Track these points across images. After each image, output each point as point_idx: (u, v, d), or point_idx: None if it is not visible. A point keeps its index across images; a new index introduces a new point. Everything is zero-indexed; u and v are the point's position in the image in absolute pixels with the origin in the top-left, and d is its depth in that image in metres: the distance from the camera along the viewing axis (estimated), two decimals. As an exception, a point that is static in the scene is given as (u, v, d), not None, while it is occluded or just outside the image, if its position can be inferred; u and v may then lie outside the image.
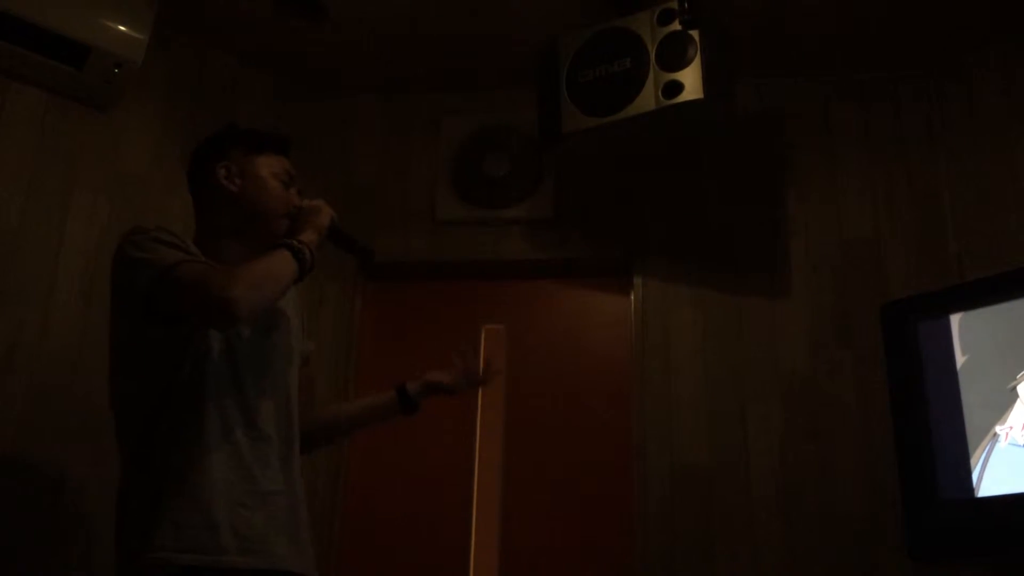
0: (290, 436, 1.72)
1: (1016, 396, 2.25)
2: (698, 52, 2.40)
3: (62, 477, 2.28)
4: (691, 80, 2.39)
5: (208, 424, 1.58)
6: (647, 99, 2.44)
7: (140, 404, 1.61)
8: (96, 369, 2.36)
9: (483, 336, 2.96)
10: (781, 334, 2.71)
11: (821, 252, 2.78)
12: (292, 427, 1.74)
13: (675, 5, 2.43)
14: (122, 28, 2.43)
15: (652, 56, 2.45)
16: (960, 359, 2.36)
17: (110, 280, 1.66)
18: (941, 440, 2.33)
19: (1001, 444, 2.25)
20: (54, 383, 2.32)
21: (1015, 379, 2.27)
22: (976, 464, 2.27)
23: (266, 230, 1.75)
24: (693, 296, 2.78)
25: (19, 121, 2.43)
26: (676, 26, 2.43)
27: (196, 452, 1.56)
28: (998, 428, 2.26)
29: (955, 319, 2.40)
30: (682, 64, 2.41)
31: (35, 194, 2.41)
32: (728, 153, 2.90)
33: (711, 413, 2.66)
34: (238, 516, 1.56)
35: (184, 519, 1.51)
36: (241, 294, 1.50)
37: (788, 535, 2.51)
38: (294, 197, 1.80)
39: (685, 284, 2.79)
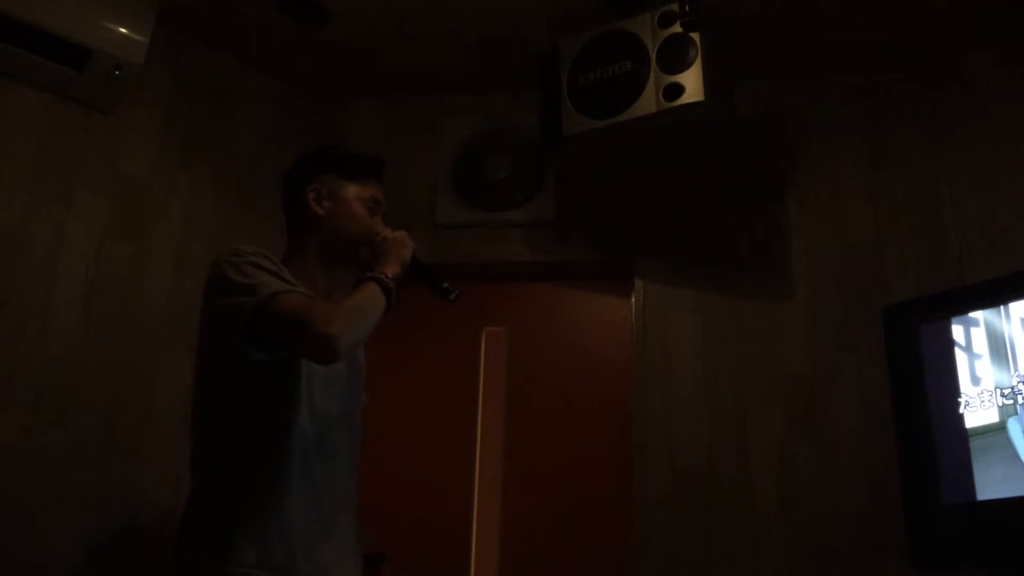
0: (354, 465, 1.78)
1: (1017, 399, 2.24)
2: (699, 54, 2.40)
3: (61, 480, 2.27)
4: (692, 82, 2.39)
5: (291, 448, 1.61)
6: (648, 102, 2.45)
7: (224, 421, 1.64)
8: (96, 372, 2.39)
9: (484, 339, 2.96)
10: (782, 337, 2.70)
11: (822, 255, 2.77)
12: (356, 458, 1.79)
13: (676, 8, 2.43)
14: (123, 30, 2.44)
15: (653, 58, 2.45)
16: (962, 362, 2.36)
17: (204, 300, 1.67)
18: (943, 444, 2.32)
19: (1003, 447, 2.24)
20: (54, 385, 2.32)
21: (1016, 382, 2.27)
22: (978, 468, 2.26)
23: (347, 255, 1.80)
24: (693, 299, 2.78)
25: (20, 123, 2.43)
26: (677, 28, 2.44)
27: (278, 475, 1.59)
28: (1000, 432, 2.25)
29: (957, 322, 2.40)
30: (683, 66, 2.41)
31: (36, 196, 2.41)
32: (728, 155, 2.90)
33: (711, 415, 2.65)
34: (310, 542, 1.60)
35: (265, 538, 1.54)
36: (341, 331, 1.53)
37: (788, 538, 2.51)
38: (378, 225, 1.83)
39: (685, 287, 2.79)
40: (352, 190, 1.84)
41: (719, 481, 2.59)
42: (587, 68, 2.57)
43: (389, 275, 1.68)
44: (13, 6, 2.26)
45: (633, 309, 2.84)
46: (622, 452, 2.72)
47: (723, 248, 2.82)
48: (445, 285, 1.83)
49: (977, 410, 2.29)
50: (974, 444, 2.28)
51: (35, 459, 2.25)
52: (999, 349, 2.31)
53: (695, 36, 2.41)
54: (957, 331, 2.39)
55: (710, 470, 2.60)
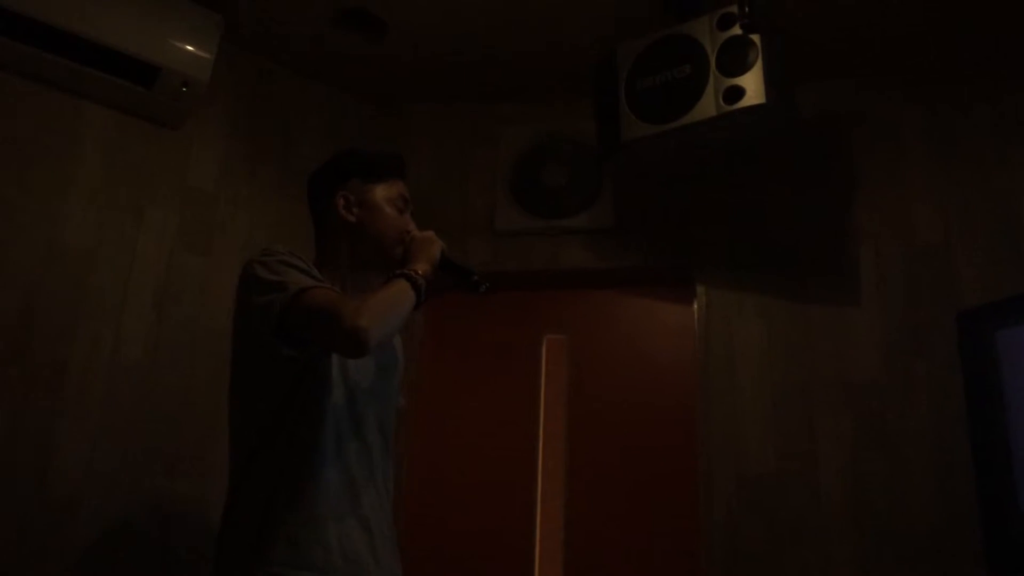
0: (388, 460, 1.78)
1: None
2: (759, 56, 2.37)
3: (137, 487, 2.34)
4: (753, 85, 2.35)
5: (324, 444, 1.63)
6: (708, 105, 2.42)
7: (258, 419, 1.66)
8: (166, 380, 2.45)
9: (544, 346, 2.95)
10: (851, 344, 2.64)
11: (890, 259, 2.70)
12: (391, 451, 1.80)
13: (735, 10, 2.40)
14: (190, 48, 2.50)
15: (712, 61, 2.42)
16: (1040, 367, 2.27)
17: (236, 298, 1.70)
18: (1019, 450, 2.24)
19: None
20: (127, 394, 2.38)
21: (1100, 388, 2.18)
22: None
23: (382, 257, 1.82)
24: (758, 305, 2.73)
25: (94, 140, 2.51)
26: (736, 31, 2.40)
27: (311, 470, 1.60)
28: (1082, 439, 2.17)
29: (1035, 326, 2.31)
30: (743, 69, 2.38)
31: (108, 211, 2.49)
32: (792, 158, 2.85)
33: (778, 424, 2.60)
34: (346, 537, 1.60)
35: (300, 536, 1.55)
36: (370, 324, 1.53)
37: (860, 547, 2.45)
38: (408, 223, 1.86)
39: (749, 292, 2.75)
40: (380, 192, 1.85)
41: (787, 490, 2.54)
42: (645, 73, 2.55)
43: (419, 272, 1.69)
44: (86, 27, 2.34)
45: (696, 315, 2.80)
46: (686, 461, 2.69)
47: (788, 253, 2.77)
48: (475, 278, 1.83)
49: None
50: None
51: (110, 466, 2.31)
52: (1080, 354, 2.23)
53: (755, 38, 2.38)
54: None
55: (778, 479, 2.55)
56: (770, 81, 2.34)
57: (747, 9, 2.37)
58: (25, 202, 2.36)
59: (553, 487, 2.80)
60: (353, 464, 1.66)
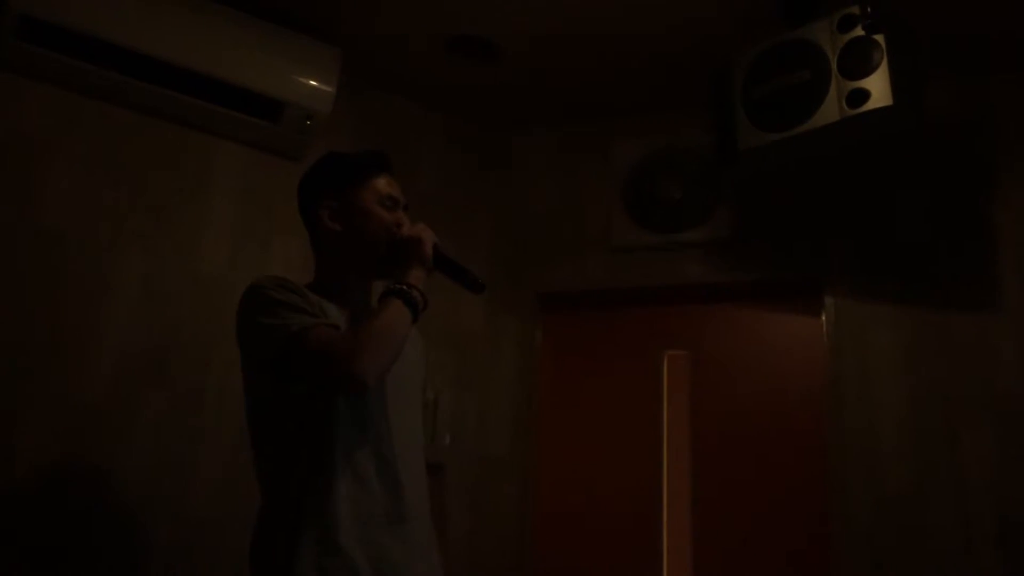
0: (419, 469, 1.73)
1: None
2: (884, 56, 2.27)
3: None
4: (878, 87, 2.25)
5: (340, 464, 1.58)
6: (830, 110, 2.33)
7: (274, 447, 1.64)
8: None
9: (666, 362, 2.91)
10: (993, 353, 2.49)
11: (1034, 261, 2.54)
12: (420, 459, 1.74)
13: (856, 10, 2.32)
14: (312, 83, 2.60)
15: (833, 65, 2.34)
16: None
17: (236, 332, 1.68)
18: None
19: None
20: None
21: None
22: None
23: (375, 262, 1.75)
24: (891, 315, 2.61)
25: (225, 175, 2.64)
26: (858, 32, 2.31)
27: (330, 493, 1.56)
28: None
29: None
30: (867, 71, 2.28)
31: (241, 241, 2.61)
32: (923, 161, 2.72)
33: (918, 440, 2.48)
34: (377, 552, 1.56)
35: (326, 563, 1.52)
36: (367, 363, 1.50)
37: (1007, 569, 2.30)
38: (400, 218, 1.77)
39: (881, 302, 2.63)
40: (362, 194, 1.75)
41: (929, 508, 2.42)
42: (762, 80, 2.48)
43: (412, 282, 1.63)
44: (216, 67, 2.46)
45: (824, 328, 2.70)
46: (817, 477, 2.59)
47: (922, 258, 2.63)
48: (474, 277, 1.73)
49: None
50: None
51: (245, 488, 2.40)
52: None
53: (879, 38, 2.28)
54: None
55: (918, 498, 2.43)
56: (897, 82, 2.24)
57: (869, 9, 2.28)
58: (164, 236, 2.50)
59: (679, 506, 2.75)
60: (373, 478, 1.61)
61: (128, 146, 2.50)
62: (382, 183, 1.78)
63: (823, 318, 2.71)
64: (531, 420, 2.93)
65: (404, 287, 1.61)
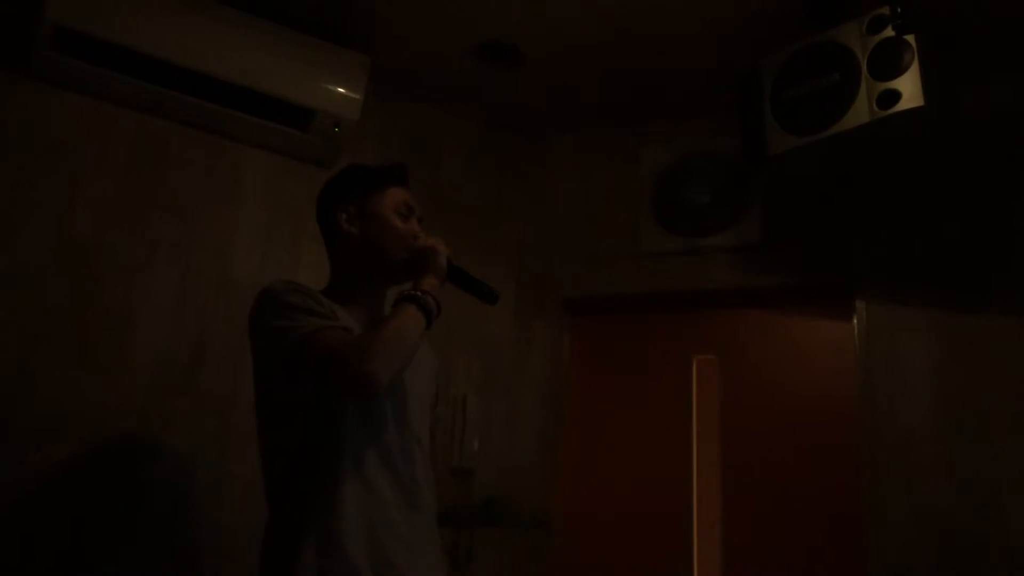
0: (427, 476, 1.73)
1: None
2: (915, 57, 2.25)
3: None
4: (909, 87, 2.23)
5: (346, 467, 1.59)
6: (860, 112, 2.31)
7: (282, 454, 1.65)
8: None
9: (695, 367, 2.89)
10: (1033, 356, 2.45)
11: (1073, 263, 2.49)
12: (427, 466, 1.74)
13: (886, 11, 2.30)
14: (341, 90, 2.62)
15: (863, 66, 2.32)
16: None
17: (248, 336, 1.70)
18: None
19: None
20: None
21: None
22: None
23: (390, 268, 1.78)
24: (925, 318, 2.56)
25: (255, 182, 2.67)
26: (889, 32, 2.30)
27: (335, 499, 1.56)
28: None
29: None
30: (898, 72, 2.26)
31: (271, 247, 2.64)
32: (955, 161, 2.67)
33: (954, 446, 2.43)
34: (381, 559, 1.56)
35: (328, 567, 1.52)
36: (378, 367, 1.51)
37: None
38: (414, 227, 1.81)
39: (914, 306, 2.59)
40: (380, 201, 1.80)
41: (966, 519, 2.37)
42: (791, 84, 2.47)
43: (426, 289, 1.64)
44: (246, 76, 2.49)
45: (856, 332, 2.67)
46: (850, 484, 2.56)
47: (957, 261, 2.58)
48: (488, 288, 1.76)
49: None
50: None
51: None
52: None
53: (910, 38, 2.26)
54: None
55: (955, 506, 2.39)
56: (928, 82, 2.22)
57: (899, 9, 2.26)
58: (195, 244, 2.53)
59: (710, 512, 2.72)
60: (380, 483, 1.61)
61: (159, 155, 2.53)
62: (399, 193, 1.83)
63: (854, 322, 2.68)
64: (559, 426, 2.92)
65: (418, 293, 1.63)
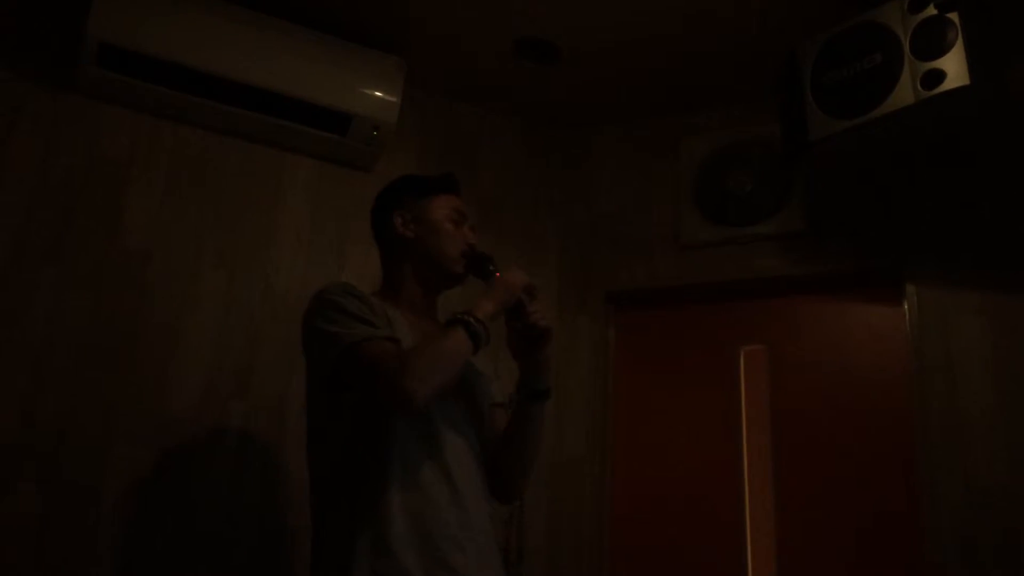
0: (479, 475, 1.74)
1: None
2: (959, 35, 2.20)
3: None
4: (954, 66, 2.18)
5: (396, 473, 1.60)
6: (904, 93, 2.27)
7: (331, 454, 1.67)
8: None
9: (742, 358, 2.86)
10: (1092, 338, 2.38)
11: None
12: (480, 469, 1.75)
13: (928, -12, 2.25)
14: (378, 94, 2.64)
15: (906, 47, 2.27)
16: None
17: (301, 337, 1.74)
18: None
19: None
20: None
21: None
22: None
23: (443, 271, 1.84)
24: (979, 301, 2.50)
25: (298, 189, 2.70)
26: (931, 11, 2.25)
27: (386, 500, 1.58)
28: None
29: None
30: (942, 50, 2.21)
31: (315, 252, 2.67)
32: (1007, 142, 2.59)
33: (1011, 430, 2.36)
34: (435, 560, 1.57)
35: (381, 568, 1.54)
36: (416, 386, 1.52)
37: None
38: (467, 234, 1.87)
39: (967, 288, 2.52)
40: (433, 207, 1.87)
41: (1020, 501, 2.30)
42: (831, 67, 2.43)
43: (480, 315, 1.63)
44: (284, 84, 2.52)
45: (907, 317, 2.61)
46: (904, 472, 2.51)
47: (1006, 241, 2.51)
48: (538, 333, 1.75)
49: None
50: None
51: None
52: None
53: (953, 16, 2.21)
54: None
55: (1009, 489, 2.32)
56: (974, 60, 2.17)
57: (942, -13, 2.21)
58: (241, 251, 2.57)
59: (762, 504, 2.69)
60: (432, 488, 1.62)
61: (204, 165, 2.58)
62: (452, 200, 1.91)
63: (904, 306, 2.63)
64: (606, 420, 2.92)
65: (472, 320, 1.62)
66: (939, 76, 2.20)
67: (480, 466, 1.77)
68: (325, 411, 1.72)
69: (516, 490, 1.86)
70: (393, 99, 2.65)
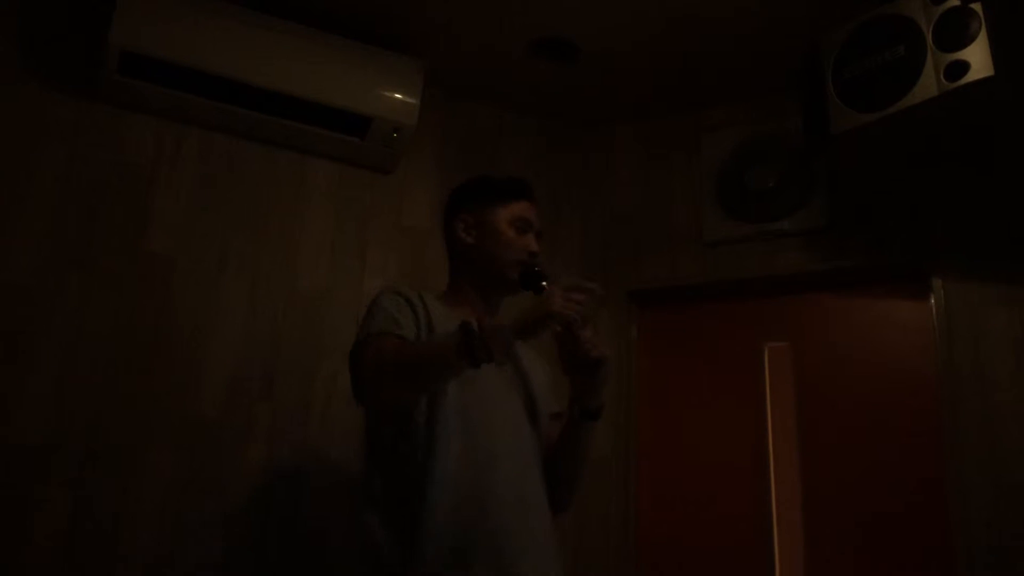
0: (536, 473, 1.73)
1: None
2: (983, 25, 2.17)
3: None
4: (978, 57, 2.16)
5: (441, 466, 1.59)
6: (927, 85, 2.24)
7: (381, 447, 1.69)
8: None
9: (766, 355, 2.84)
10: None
11: None
12: (536, 462, 1.74)
13: (950, -20, 2.22)
14: (397, 96, 2.64)
15: (929, 38, 2.25)
16: None
17: None
18: None
19: None
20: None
21: None
22: None
23: (496, 277, 1.82)
24: (1007, 292, 2.46)
25: (318, 191, 2.71)
26: (954, 2, 2.22)
27: (428, 497, 1.57)
28: None
29: None
30: (965, 41, 2.19)
31: (337, 255, 2.68)
32: (1028, 131, 2.57)
33: (1041, 421, 2.34)
34: (491, 560, 1.57)
35: (437, 570, 1.54)
36: (382, 386, 1.61)
37: None
38: (531, 242, 1.83)
39: (995, 281, 2.48)
40: (497, 213, 1.85)
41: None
42: (853, 60, 2.41)
43: (488, 331, 1.50)
44: (304, 88, 2.53)
45: (934, 311, 2.58)
46: (934, 467, 2.48)
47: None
48: (591, 359, 1.68)
49: None
50: None
51: (349, 498, 2.45)
52: None
53: (976, 7, 2.19)
54: None
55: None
56: (999, 51, 2.14)
57: (965, -22, 2.18)
58: (264, 254, 2.59)
59: (790, 503, 2.67)
60: (490, 484, 1.61)
61: (224, 169, 2.60)
62: (519, 207, 1.86)
63: (931, 301, 2.60)
64: (631, 419, 2.91)
65: (476, 331, 1.49)
66: (963, 67, 2.18)
67: (538, 459, 1.76)
68: (373, 413, 1.74)
69: (563, 504, 1.84)
70: (412, 101, 2.65)
